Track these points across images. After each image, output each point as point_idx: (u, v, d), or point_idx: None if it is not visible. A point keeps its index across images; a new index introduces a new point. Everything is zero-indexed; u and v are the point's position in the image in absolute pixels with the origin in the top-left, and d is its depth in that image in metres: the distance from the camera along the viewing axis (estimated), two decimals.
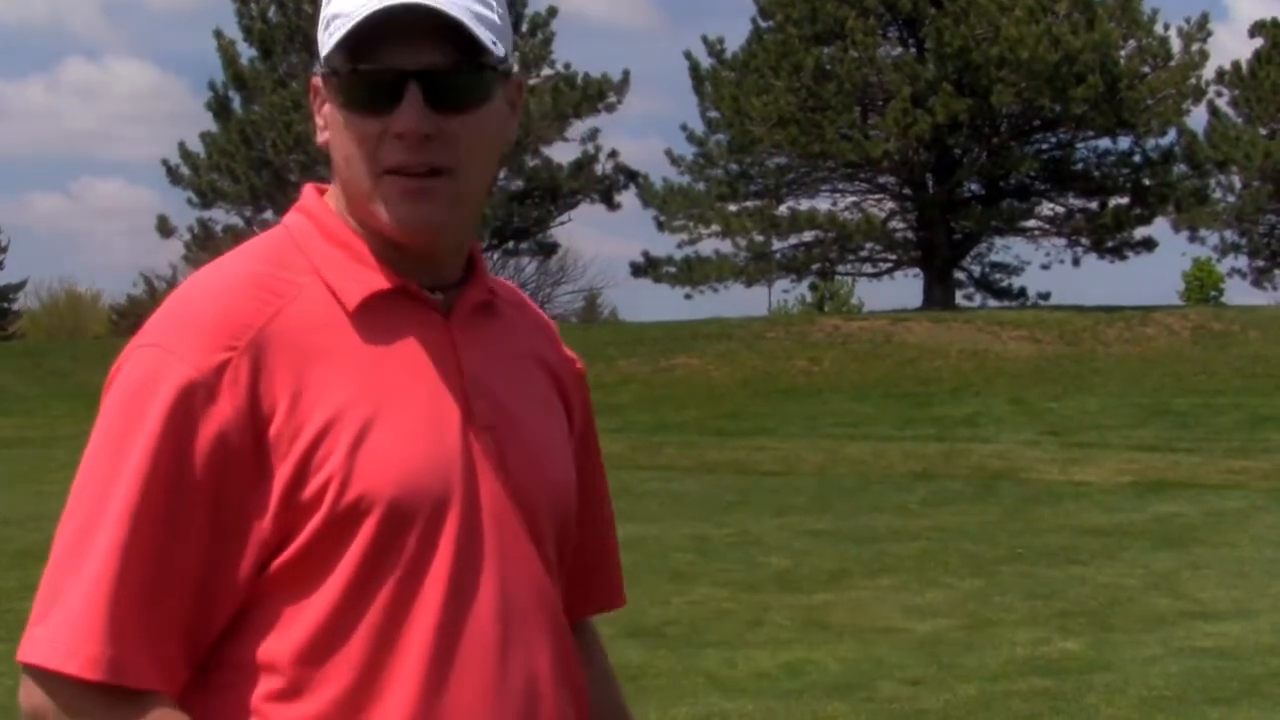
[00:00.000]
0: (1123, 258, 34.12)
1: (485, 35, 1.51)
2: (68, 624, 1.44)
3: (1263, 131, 35.65)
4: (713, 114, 33.52)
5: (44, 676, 1.45)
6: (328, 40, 1.54)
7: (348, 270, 1.57)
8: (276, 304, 1.53)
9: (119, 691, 1.44)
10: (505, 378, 1.63)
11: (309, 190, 1.65)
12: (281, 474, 1.48)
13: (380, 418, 1.51)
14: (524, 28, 32.43)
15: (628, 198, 36.13)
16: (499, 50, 1.53)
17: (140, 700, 1.46)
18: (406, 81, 1.50)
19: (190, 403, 1.47)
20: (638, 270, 35.20)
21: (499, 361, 1.64)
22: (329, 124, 1.57)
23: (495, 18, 1.55)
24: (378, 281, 1.56)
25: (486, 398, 1.59)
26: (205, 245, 33.41)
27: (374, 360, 1.54)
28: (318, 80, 1.58)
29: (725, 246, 34.13)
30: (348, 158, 1.55)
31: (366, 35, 1.50)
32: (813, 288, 43.24)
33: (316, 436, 1.49)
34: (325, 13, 1.55)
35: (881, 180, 34.08)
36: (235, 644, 1.51)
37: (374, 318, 1.55)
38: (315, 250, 1.58)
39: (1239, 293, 42.61)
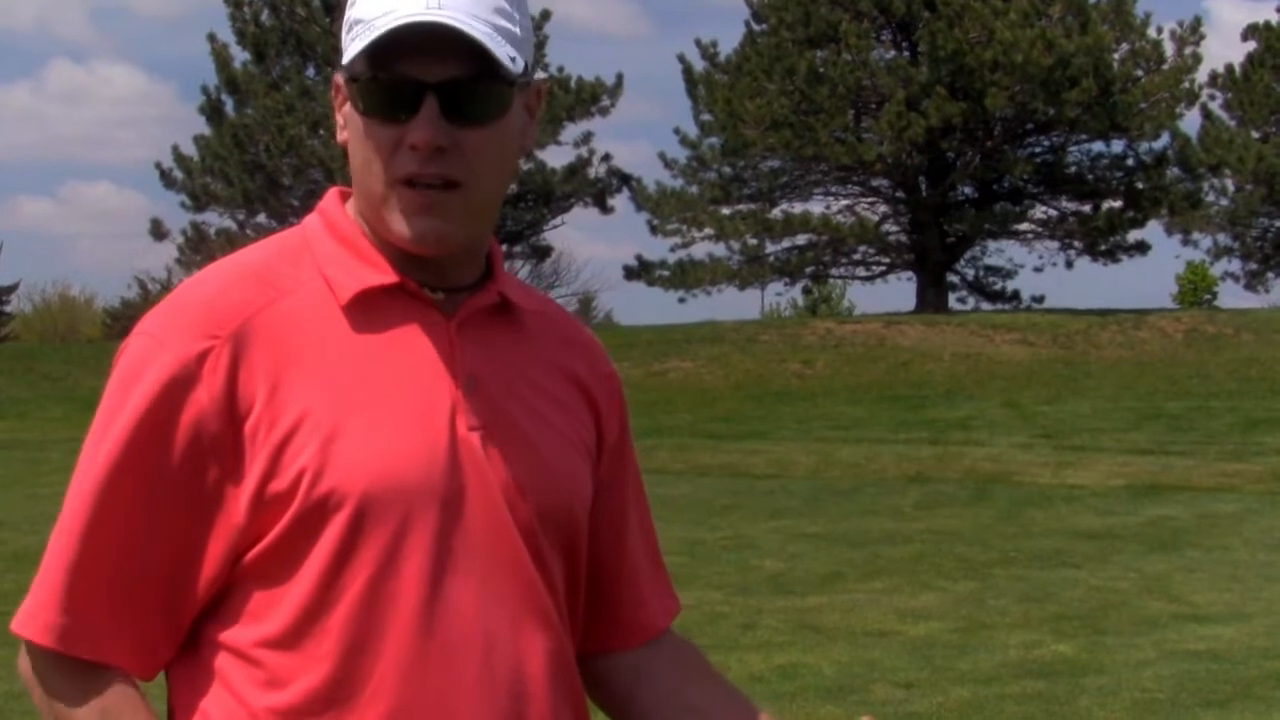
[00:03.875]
0: (1116, 261, 34.21)
1: (504, 52, 1.50)
2: (32, 594, 1.53)
3: (1255, 135, 35.72)
4: (706, 117, 33.54)
5: (25, 643, 1.54)
6: (350, 44, 1.54)
7: (347, 266, 1.57)
8: (270, 296, 1.54)
9: (77, 663, 1.51)
10: (509, 381, 1.61)
11: (331, 192, 1.66)
12: (257, 465, 1.49)
13: (360, 413, 1.51)
14: None
15: (621, 201, 36.19)
16: (517, 66, 1.52)
17: (99, 674, 1.52)
18: (424, 93, 1.50)
19: (172, 391, 1.49)
20: (631, 274, 35.24)
21: (505, 364, 1.62)
22: (348, 125, 1.58)
23: (516, 29, 1.54)
24: (374, 278, 1.56)
25: (482, 398, 1.57)
26: (199, 248, 33.43)
27: (362, 355, 1.54)
28: (339, 79, 1.58)
29: (718, 250, 34.25)
30: (364, 162, 1.56)
31: (387, 43, 1.50)
32: (806, 291, 43.32)
33: (291, 429, 1.49)
34: (350, 15, 1.55)
35: (875, 183, 34.12)
36: (218, 626, 1.54)
37: (368, 314, 1.56)
38: (321, 247, 1.59)
39: (1232, 296, 42.86)
